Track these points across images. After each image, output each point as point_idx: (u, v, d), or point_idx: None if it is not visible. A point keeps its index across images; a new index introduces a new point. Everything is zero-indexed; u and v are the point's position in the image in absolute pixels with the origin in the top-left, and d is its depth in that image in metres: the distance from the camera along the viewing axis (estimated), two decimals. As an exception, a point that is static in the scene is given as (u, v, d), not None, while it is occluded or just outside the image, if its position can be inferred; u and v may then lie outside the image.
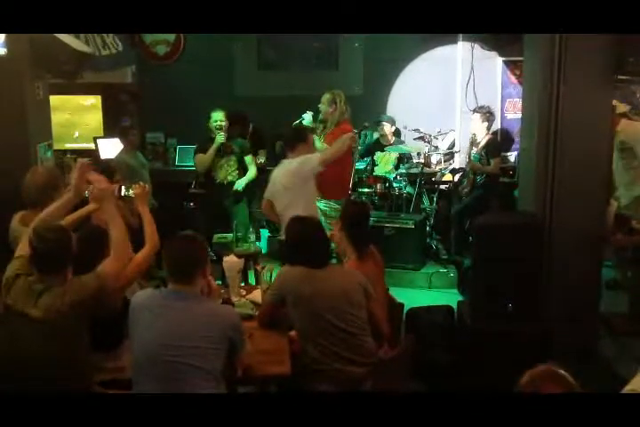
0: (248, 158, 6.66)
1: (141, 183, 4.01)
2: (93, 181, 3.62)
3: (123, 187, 3.96)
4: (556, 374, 2.18)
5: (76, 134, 7.60)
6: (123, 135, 6.87)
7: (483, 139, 6.93)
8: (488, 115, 6.96)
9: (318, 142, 5.92)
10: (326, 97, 6.05)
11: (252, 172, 6.67)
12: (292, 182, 5.09)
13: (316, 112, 6.24)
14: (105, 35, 6.65)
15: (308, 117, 6.18)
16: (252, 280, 5.13)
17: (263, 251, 6.57)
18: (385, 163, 7.42)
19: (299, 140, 5.25)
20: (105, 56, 6.63)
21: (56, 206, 3.65)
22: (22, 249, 3.23)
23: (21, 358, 2.97)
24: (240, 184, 6.60)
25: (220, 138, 6.46)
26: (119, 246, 3.30)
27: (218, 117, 6.53)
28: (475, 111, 7.04)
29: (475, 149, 6.99)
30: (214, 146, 6.47)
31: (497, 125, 7.63)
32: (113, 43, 6.81)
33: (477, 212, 6.27)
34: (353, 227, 3.98)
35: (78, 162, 4.11)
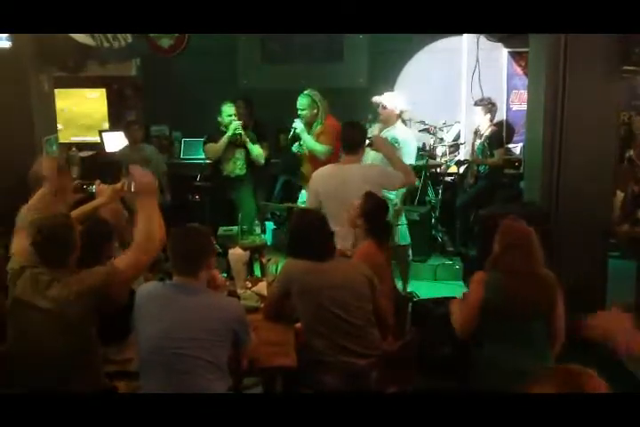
0: (255, 148, 6.58)
1: None
2: (135, 175, 3.59)
3: (132, 182, 3.97)
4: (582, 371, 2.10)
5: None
6: (126, 130, 6.88)
7: (486, 130, 6.92)
8: (490, 106, 6.94)
9: (310, 142, 5.84)
10: (304, 102, 5.84)
11: (258, 151, 6.59)
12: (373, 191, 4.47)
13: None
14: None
15: (299, 125, 5.96)
16: (257, 273, 5.14)
17: (268, 243, 6.57)
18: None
19: (363, 140, 4.77)
20: (115, 48, 6.62)
21: (83, 210, 3.70)
22: (19, 243, 3.23)
23: (31, 350, 2.99)
24: (236, 124, 6.42)
25: (236, 126, 6.39)
26: (141, 245, 3.26)
27: (230, 111, 6.47)
28: (476, 104, 7.03)
29: (478, 141, 6.98)
30: (229, 134, 6.40)
31: (502, 116, 7.61)
32: (124, 34, 6.80)
33: (482, 203, 6.27)
34: (374, 220, 3.95)
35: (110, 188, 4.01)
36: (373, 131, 5.96)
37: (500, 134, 7.08)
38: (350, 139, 4.71)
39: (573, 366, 2.04)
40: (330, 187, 4.54)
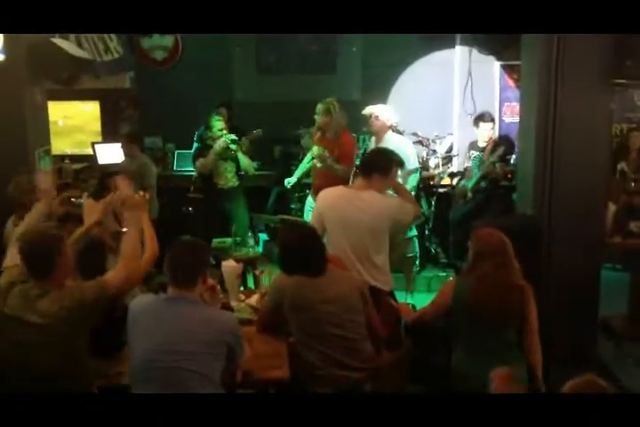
0: (244, 160, 6.60)
1: (141, 193, 4.01)
2: (120, 188, 3.57)
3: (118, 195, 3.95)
4: (596, 384, 2.20)
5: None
6: (124, 142, 6.88)
7: (489, 144, 6.86)
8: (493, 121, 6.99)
9: (316, 148, 5.91)
10: (320, 107, 5.95)
11: (248, 162, 6.64)
12: (386, 226, 4.16)
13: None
14: (108, 40, 6.67)
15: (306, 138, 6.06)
16: (251, 285, 5.13)
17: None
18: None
19: (385, 166, 4.26)
20: (106, 61, 6.64)
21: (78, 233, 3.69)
22: (11, 259, 3.23)
23: (21, 364, 2.97)
24: (229, 137, 6.47)
25: (230, 140, 6.44)
26: (129, 259, 3.25)
27: (220, 125, 6.51)
28: (489, 120, 7.00)
29: (476, 153, 6.97)
30: (218, 148, 6.46)
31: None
32: (116, 47, 6.83)
33: (479, 216, 6.26)
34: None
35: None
36: (370, 145, 6.01)
37: (509, 148, 7.03)
38: (368, 162, 4.35)
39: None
40: (338, 212, 4.15)
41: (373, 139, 6.20)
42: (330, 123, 5.92)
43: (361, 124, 6.49)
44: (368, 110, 6.08)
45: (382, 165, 4.26)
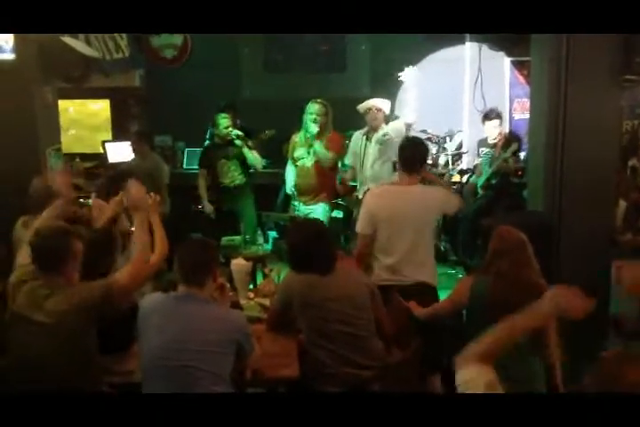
0: (251, 156, 6.59)
1: (151, 194, 4.01)
2: (131, 191, 3.58)
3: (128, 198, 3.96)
4: (631, 356, 2.15)
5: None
6: (134, 140, 6.90)
7: (500, 140, 6.84)
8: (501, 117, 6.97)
9: (319, 148, 5.97)
10: (319, 109, 5.95)
11: (255, 158, 6.59)
12: (431, 218, 4.29)
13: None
14: (119, 38, 6.69)
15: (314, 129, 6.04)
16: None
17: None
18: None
19: (425, 158, 4.37)
20: (116, 59, 6.66)
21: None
22: (24, 257, 3.25)
23: (29, 363, 2.98)
24: (234, 133, 6.49)
25: (235, 134, 6.45)
26: (137, 260, 3.28)
27: (227, 123, 6.51)
28: (495, 118, 6.98)
29: (487, 150, 6.94)
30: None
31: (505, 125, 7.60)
32: (127, 45, 6.86)
33: (489, 213, 6.25)
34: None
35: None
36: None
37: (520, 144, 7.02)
38: (411, 156, 4.28)
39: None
40: (391, 210, 4.15)
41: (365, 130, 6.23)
42: (327, 122, 5.96)
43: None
44: (367, 105, 6.10)
45: (423, 154, 4.40)
